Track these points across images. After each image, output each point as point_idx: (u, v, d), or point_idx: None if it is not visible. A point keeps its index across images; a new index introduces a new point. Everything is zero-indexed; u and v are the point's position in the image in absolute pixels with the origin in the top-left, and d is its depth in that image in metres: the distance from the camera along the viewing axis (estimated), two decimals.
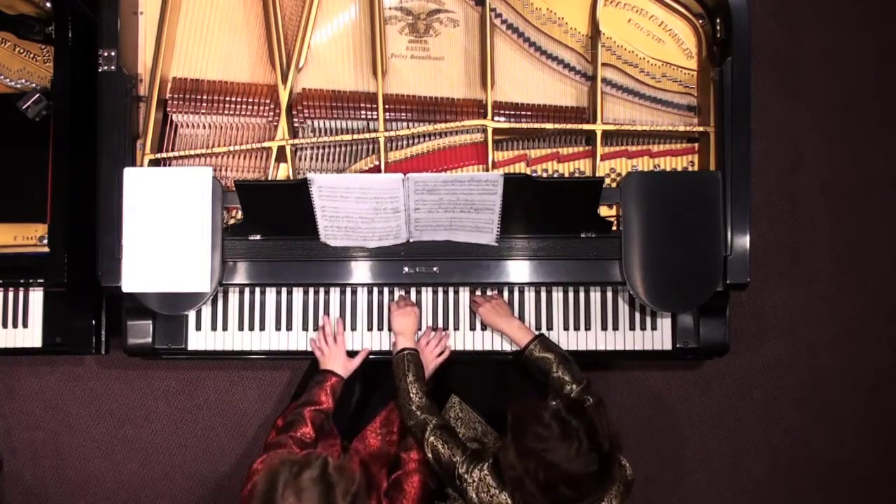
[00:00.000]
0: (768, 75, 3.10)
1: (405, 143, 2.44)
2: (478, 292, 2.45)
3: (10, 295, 2.64)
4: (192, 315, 2.44)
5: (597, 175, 2.41)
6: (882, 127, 3.12)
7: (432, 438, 2.15)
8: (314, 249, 2.35)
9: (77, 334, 2.70)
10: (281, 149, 2.40)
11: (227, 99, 2.42)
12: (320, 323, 2.45)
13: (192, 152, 2.40)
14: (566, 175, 2.45)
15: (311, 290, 2.46)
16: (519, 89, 2.47)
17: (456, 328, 2.46)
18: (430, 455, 2.15)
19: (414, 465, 2.20)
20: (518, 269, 2.36)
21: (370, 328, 2.46)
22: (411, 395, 2.24)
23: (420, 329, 2.44)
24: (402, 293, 2.46)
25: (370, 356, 2.45)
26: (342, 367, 2.37)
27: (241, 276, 2.36)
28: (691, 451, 3.05)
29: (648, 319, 2.47)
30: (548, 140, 2.49)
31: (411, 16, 2.47)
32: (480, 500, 2.03)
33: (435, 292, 2.47)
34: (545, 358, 2.28)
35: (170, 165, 2.40)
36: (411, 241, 2.35)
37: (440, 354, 2.41)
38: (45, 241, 2.49)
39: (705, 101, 2.43)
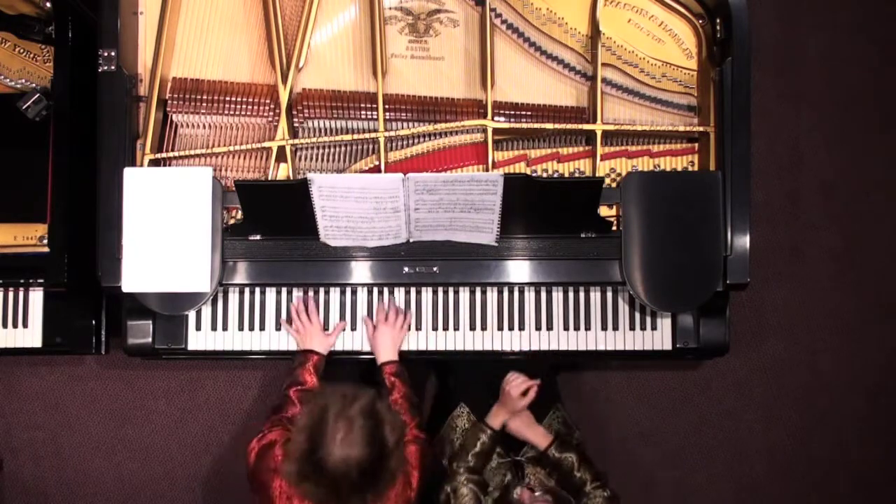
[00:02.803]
0: (768, 75, 3.10)
1: (405, 143, 2.44)
2: (517, 379, 2.37)
3: (10, 295, 2.64)
4: (192, 315, 2.44)
5: (597, 175, 2.41)
6: (882, 127, 3.12)
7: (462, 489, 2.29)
8: (314, 249, 2.35)
9: (77, 334, 2.70)
10: (281, 149, 2.40)
11: (227, 99, 2.42)
12: (293, 304, 2.44)
13: (192, 152, 2.40)
14: (566, 175, 2.45)
15: (311, 290, 2.46)
16: (519, 89, 2.47)
17: (456, 328, 2.46)
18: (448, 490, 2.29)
19: (411, 437, 2.20)
20: (518, 269, 2.36)
21: None
22: (468, 461, 2.32)
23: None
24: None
25: (365, 356, 2.45)
26: (321, 344, 2.38)
27: (241, 276, 2.36)
28: (691, 451, 3.05)
29: (648, 319, 2.46)
30: (548, 140, 2.49)
31: (411, 16, 2.47)
32: None
33: (435, 292, 2.47)
34: (566, 458, 2.32)
35: (170, 165, 2.40)
36: (411, 241, 2.35)
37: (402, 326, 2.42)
38: (45, 241, 2.49)
39: (705, 101, 2.43)
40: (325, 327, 2.44)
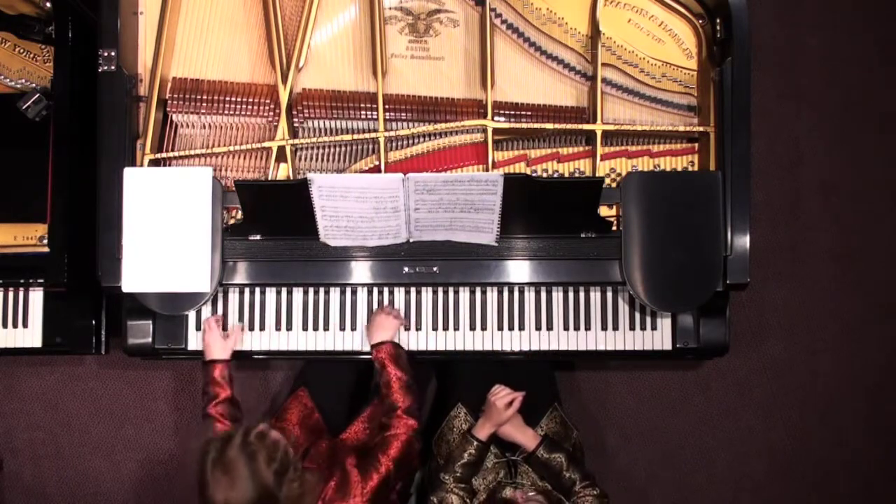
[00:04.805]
0: (768, 75, 3.10)
1: (405, 143, 2.44)
2: (502, 391, 2.34)
3: (10, 295, 2.64)
4: (192, 315, 2.44)
5: (597, 175, 2.41)
6: (882, 127, 3.12)
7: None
8: (314, 249, 2.35)
9: (77, 334, 2.70)
10: (281, 149, 2.40)
11: (227, 99, 2.42)
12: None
13: (192, 152, 2.40)
14: (566, 175, 2.45)
15: (311, 290, 2.46)
16: (519, 89, 2.47)
17: (456, 328, 2.46)
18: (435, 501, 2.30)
19: (397, 429, 2.21)
20: (518, 269, 2.36)
21: None
22: (455, 471, 2.32)
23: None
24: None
25: (365, 356, 2.45)
26: (220, 350, 2.36)
27: (241, 276, 2.36)
28: (691, 451, 3.05)
29: (648, 319, 2.46)
30: (548, 140, 2.49)
31: (411, 16, 2.47)
32: None
33: (435, 292, 2.47)
34: (555, 458, 2.32)
35: (170, 165, 2.40)
36: (411, 240, 2.35)
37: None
38: (45, 241, 2.49)
39: (705, 101, 2.43)
40: (326, 327, 2.44)
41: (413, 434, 2.22)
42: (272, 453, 1.88)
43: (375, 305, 2.46)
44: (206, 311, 2.44)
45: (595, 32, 2.43)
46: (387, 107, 2.41)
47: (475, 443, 2.33)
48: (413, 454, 2.23)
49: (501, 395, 2.31)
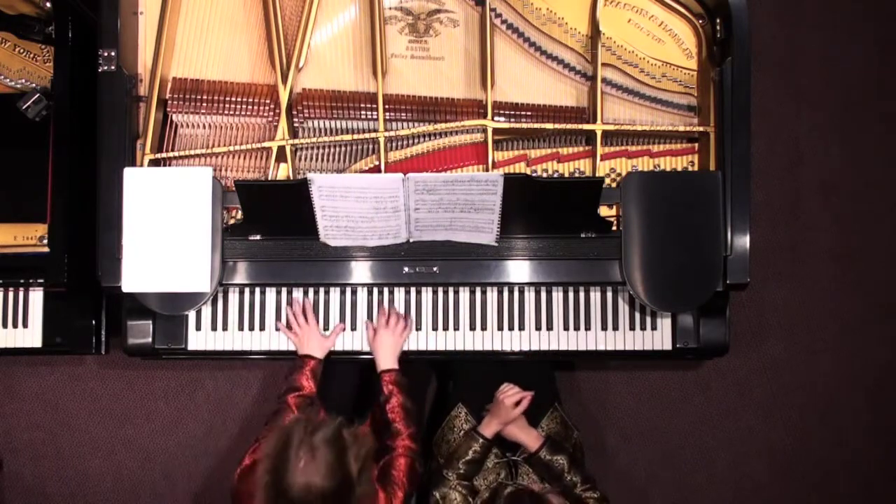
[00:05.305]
0: (768, 75, 3.10)
1: (405, 143, 2.44)
2: (511, 390, 2.35)
3: (10, 295, 2.64)
4: (192, 315, 2.44)
5: (597, 175, 2.41)
6: (882, 127, 3.12)
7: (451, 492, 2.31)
8: (314, 249, 2.35)
9: (77, 334, 2.70)
10: (281, 149, 2.40)
11: (227, 99, 2.42)
12: (289, 308, 2.43)
13: (192, 152, 2.40)
14: (566, 175, 2.45)
15: (311, 290, 2.46)
16: (519, 89, 2.47)
17: (456, 328, 2.46)
18: (437, 497, 2.30)
19: (401, 450, 2.22)
20: (518, 269, 2.36)
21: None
22: (458, 468, 2.33)
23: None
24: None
25: (366, 356, 2.45)
26: (319, 347, 2.38)
27: (241, 276, 2.36)
28: (691, 451, 3.05)
29: (648, 319, 2.46)
30: (548, 140, 2.49)
31: (411, 16, 2.47)
32: None
33: (435, 292, 2.47)
34: (557, 460, 2.33)
35: (170, 165, 2.40)
36: (411, 240, 2.35)
37: (404, 330, 2.41)
38: (45, 241, 2.49)
39: (705, 101, 2.43)
40: (325, 327, 2.44)
41: (415, 456, 2.23)
42: (360, 450, 1.88)
43: (375, 306, 2.46)
44: (206, 310, 2.44)
45: (595, 32, 2.43)
46: (387, 107, 2.41)
47: (480, 440, 2.33)
48: (416, 477, 2.22)
49: (510, 394, 2.32)
